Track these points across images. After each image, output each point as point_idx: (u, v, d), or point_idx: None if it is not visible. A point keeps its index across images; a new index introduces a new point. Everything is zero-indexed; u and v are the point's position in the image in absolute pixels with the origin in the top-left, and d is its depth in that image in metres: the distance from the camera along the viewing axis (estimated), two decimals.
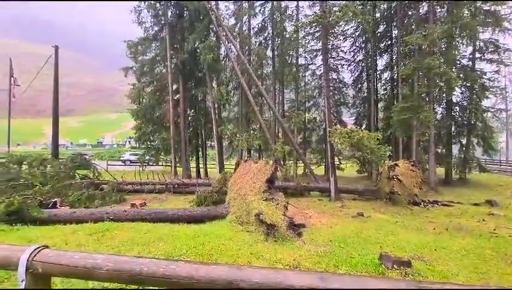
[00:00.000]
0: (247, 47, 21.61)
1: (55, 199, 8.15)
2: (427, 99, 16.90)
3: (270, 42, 22.89)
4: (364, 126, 23.37)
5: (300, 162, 20.22)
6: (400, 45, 18.25)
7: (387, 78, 23.70)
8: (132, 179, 14.46)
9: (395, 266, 4.17)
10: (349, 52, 24.73)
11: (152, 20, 20.44)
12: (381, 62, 23.83)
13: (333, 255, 4.89)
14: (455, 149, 20.39)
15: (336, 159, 19.51)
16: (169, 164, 22.28)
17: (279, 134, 22.85)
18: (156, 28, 20.82)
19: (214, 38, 19.91)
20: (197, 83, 21.63)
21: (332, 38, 21.59)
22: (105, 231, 5.65)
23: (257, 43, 23.03)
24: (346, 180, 17.83)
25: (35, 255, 1.64)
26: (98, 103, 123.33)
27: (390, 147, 14.60)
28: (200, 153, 23.80)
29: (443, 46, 16.85)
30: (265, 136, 18.11)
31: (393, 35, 21.61)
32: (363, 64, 24.47)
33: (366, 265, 4.32)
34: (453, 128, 19.97)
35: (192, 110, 23.18)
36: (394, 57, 21.55)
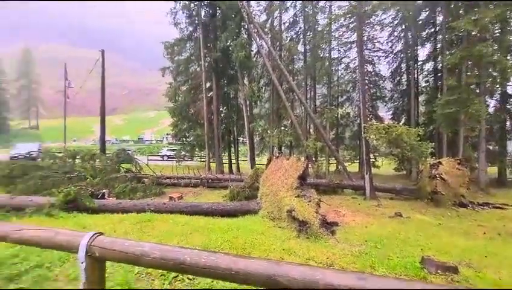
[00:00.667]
0: (278, 42, 21.45)
1: (104, 191, 8.99)
2: (477, 91, 15.33)
3: (301, 36, 22.45)
4: (403, 121, 21.98)
5: (333, 158, 19.68)
6: (446, 32, 16.73)
7: (430, 69, 21.93)
8: (170, 173, 15.29)
9: (439, 271, 3.91)
10: (387, 42, 23.30)
11: (186, 20, 21.23)
12: (422, 52, 22.15)
13: (369, 256, 4.72)
14: (510, 146, 18.30)
15: (371, 156, 18.63)
16: (204, 160, 23.12)
17: (311, 130, 22.44)
18: (190, 28, 21.59)
19: (246, 36, 20.09)
20: (229, 81, 22.03)
21: (368, 29, 20.53)
22: (147, 221, 6.07)
23: (288, 38, 22.73)
24: (382, 178, 16.97)
25: (92, 241, 1.82)
26: (138, 101, 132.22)
27: (433, 144, 13.57)
28: (232, 149, 24.31)
29: (496, 31, 15.10)
30: (296, 132, 17.90)
31: (438, 21, 19.86)
32: (402, 55, 22.91)
33: (406, 268, 4.11)
34: (508, 123, 17.91)
35: (225, 107, 23.72)
36: (438, 45, 19.84)
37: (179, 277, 3.43)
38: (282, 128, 21.02)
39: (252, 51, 21.56)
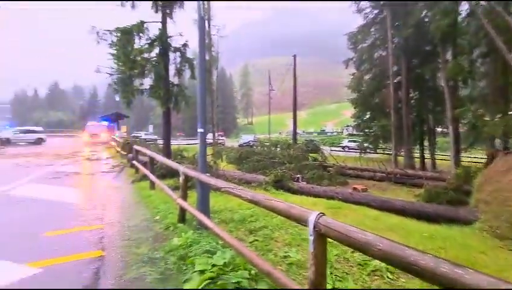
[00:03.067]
0: None
1: (298, 175, 10.59)
2: None
3: None
4: None
5: None
6: None
7: None
8: (352, 164, 15.36)
9: None
10: None
11: (371, 4, 20.01)
12: None
13: None
14: None
15: None
16: (389, 152, 21.25)
17: None
18: (375, 11, 20.23)
19: None
20: (423, 60, 18.66)
21: None
22: (337, 208, 6.42)
23: None
24: None
25: (318, 219, 2.17)
26: (320, 96, 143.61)
27: None
28: (426, 141, 20.61)
29: None
30: None
31: None
32: None
33: None
34: None
35: (417, 92, 20.44)
36: None
37: (378, 272, 3.37)
38: (510, 112, 14.99)
39: (460, 14, 16.68)
